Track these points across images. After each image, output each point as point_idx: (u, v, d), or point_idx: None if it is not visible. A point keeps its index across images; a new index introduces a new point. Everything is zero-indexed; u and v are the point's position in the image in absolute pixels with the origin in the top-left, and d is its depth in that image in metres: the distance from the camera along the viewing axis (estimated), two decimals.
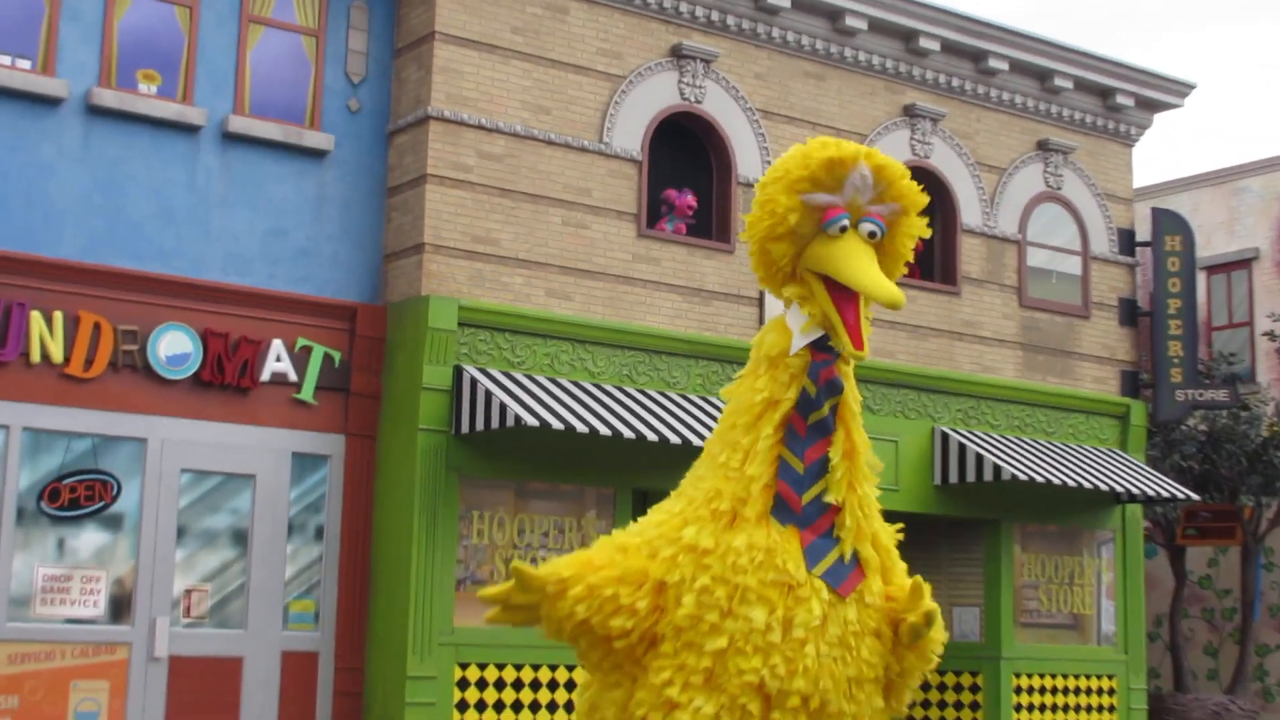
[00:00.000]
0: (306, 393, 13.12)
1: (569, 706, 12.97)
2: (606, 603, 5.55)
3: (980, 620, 16.31)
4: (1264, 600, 20.73)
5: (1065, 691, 16.51)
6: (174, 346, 12.56)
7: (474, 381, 12.82)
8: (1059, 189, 17.36)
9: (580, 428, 12.49)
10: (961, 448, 15.65)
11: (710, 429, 13.15)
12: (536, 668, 13.05)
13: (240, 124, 13.08)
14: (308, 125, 13.48)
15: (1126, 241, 17.93)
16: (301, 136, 13.35)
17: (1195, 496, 16.85)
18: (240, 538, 12.84)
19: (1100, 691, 16.79)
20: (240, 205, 13.12)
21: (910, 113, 16.27)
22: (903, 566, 5.91)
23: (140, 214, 12.67)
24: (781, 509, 5.65)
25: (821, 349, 5.72)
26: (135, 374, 12.43)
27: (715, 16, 14.92)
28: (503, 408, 12.44)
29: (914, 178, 5.87)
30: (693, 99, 14.76)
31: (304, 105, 13.53)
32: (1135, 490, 15.98)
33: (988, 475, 15.34)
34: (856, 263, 5.63)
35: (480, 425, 12.68)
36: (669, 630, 5.55)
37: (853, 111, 15.87)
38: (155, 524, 12.37)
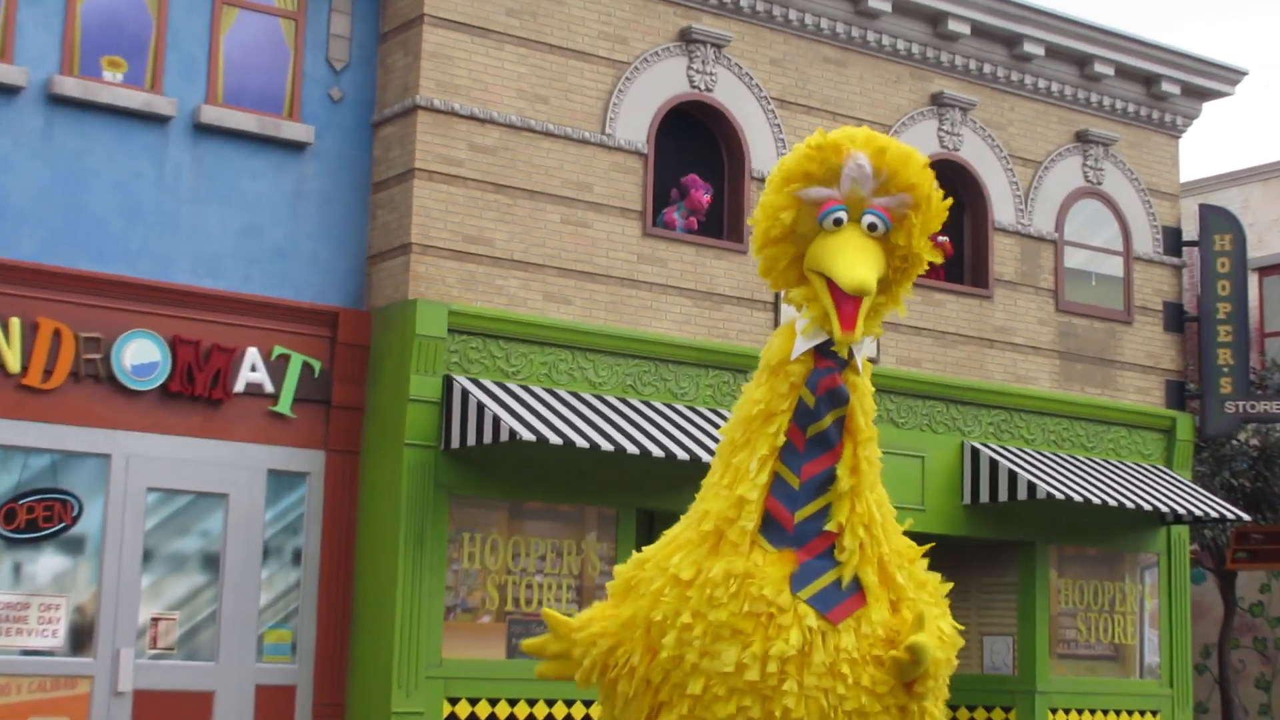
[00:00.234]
0: (284, 405, 13.10)
1: None
2: (607, 654, 5.64)
3: (1013, 651, 16.27)
4: None
5: None
6: (140, 355, 12.54)
7: (465, 393, 12.79)
8: (1099, 184, 17.33)
9: (580, 443, 12.47)
10: (993, 464, 15.62)
11: (720, 443, 13.10)
12: (532, 703, 13.01)
13: (213, 114, 13.07)
14: (286, 115, 13.47)
15: (1172, 240, 17.90)
16: (279, 128, 13.33)
17: (1246, 517, 16.80)
18: (211, 562, 12.80)
19: None
20: (212, 202, 13.10)
21: (938, 102, 16.24)
22: (931, 588, 5.82)
23: (104, 211, 12.65)
24: (772, 529, 5.62)
25: (825, 355, 5.68)
26: (98, 385, 12.40)
27: None
28: (496, 421, 12.41)
29: (942, 172, 5.85)
30: (703, 87, 14.73)
31: (282, 94, 13.52)
32: (1181, 510, 15.94)
33: (1021, 494, 15.31)
34: (841, 254, 5.54)
35: (472, 440, 12.65)
36: (659, 674, 5.58)
37: (876, 100, 15.85)
38: (119, 547, 12.34)
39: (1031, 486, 15.22)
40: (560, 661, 5.97)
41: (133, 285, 12.59)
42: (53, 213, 12.46)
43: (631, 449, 12.68)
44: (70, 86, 12.53)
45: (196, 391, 12.69)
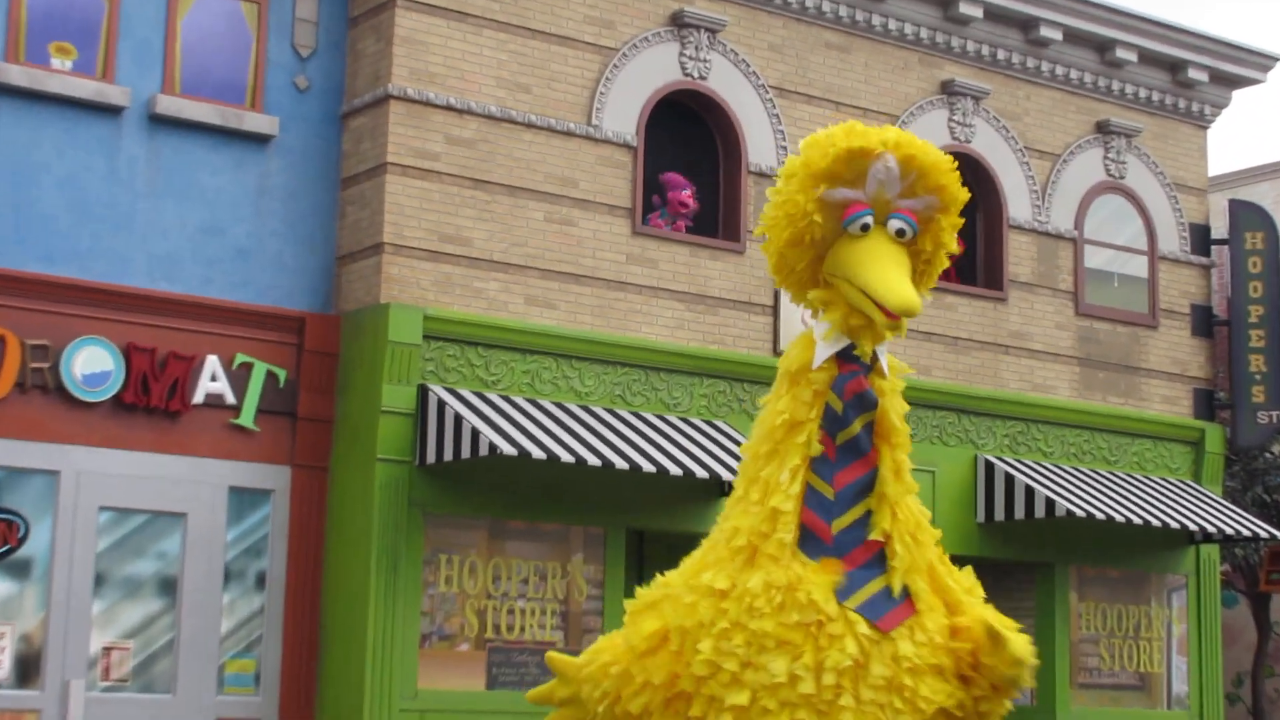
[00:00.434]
0: (246, 417, 13.09)
1: None
2: (620, 681, 5.67)
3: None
4: None
5: None
6: (91, 364, 12.53)
7: (441, 404, 12.78)
8: (1122, 178, 17.35)
9: (565, 457, 12.47)
10: (1009, 479, 15.62)
11: (716, 457, 13.17)
12: None
13: (169, 105, 13.07)
14: (248, 106, 13.49)
15: (1200, 239, 17.91)
16: (241, 119, 13.35)
17: None
18: (168, 587, 12.79)
19: None
20: (169, 199, 13.10)
21: (949, 90, 16.25)
22: (978, 594, 5.94)
23: (52, 209, 12.65)
24: (810, 541, 5.74)
25: (848, 359, 5.81)
26: (46, 396, 12.39)
27: None
28: (475, 434, 12.40)
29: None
30: (696, 75, 14.73)
31: (244, 83, 13.52)
32: (1211, 528, 15.97)
33: (1039, 511, 15.32)
34: (876, 265, 5.66)
35: (449, 454, 12.65)
36: (691, 684, 5.63)
37: (882, 89, 15.85)
38: (69, 571, 12.32)
39: (1050, 503, 15.21)
40: (571, 708, 6.00)
41: (83, 288, 12.58)
42: None
43: (620, 464, 12.67)
44: (15, 75, 12.52)
45: (152, 403, 12.67)
